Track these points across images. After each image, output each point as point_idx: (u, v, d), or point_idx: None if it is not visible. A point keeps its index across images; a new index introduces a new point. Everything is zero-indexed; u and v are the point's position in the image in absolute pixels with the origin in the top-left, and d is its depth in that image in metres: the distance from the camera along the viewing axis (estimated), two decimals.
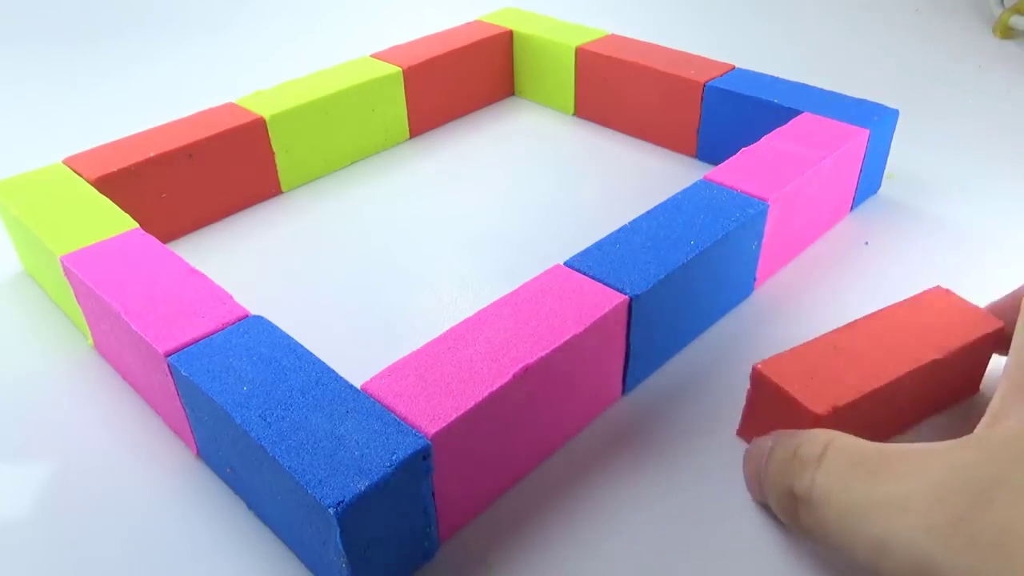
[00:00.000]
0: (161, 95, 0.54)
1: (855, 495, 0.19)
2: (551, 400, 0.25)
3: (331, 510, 0.19)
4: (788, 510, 0.22)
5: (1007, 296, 0.28)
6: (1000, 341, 0.26)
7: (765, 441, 0.24)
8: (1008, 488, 0.16)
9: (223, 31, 0.66)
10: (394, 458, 0.20)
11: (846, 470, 0.20)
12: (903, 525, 0.17)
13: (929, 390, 0.26)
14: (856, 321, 0.26)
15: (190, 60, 0.60)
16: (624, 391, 0.29)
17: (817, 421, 0.23)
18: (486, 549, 0.24)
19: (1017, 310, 0.26)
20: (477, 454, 0.23)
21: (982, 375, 0.28)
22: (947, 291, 0.28)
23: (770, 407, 0.25)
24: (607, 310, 0.25)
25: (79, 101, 0.54)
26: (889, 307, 0.27)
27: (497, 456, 0.24)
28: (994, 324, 0.26)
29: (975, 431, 0.19)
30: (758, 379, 0.25)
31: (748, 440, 0.26)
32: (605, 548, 0.24)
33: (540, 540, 0.24)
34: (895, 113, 0.38)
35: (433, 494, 0.22)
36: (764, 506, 0.24)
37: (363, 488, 0.20)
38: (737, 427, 0.27)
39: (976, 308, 0.27)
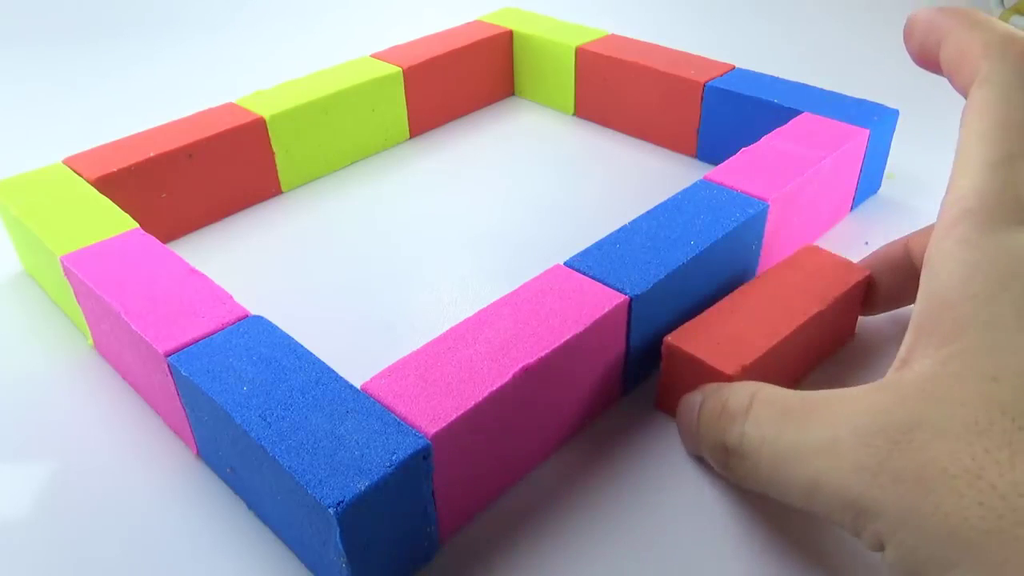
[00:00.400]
0: (161, 95, 0.54)
1: (785, 442, 0.20)
2: (551, 400, 0.25)
3: (331, 510, 0.19)
4: (722, 461, 0.23)
5: (870, 256, 0.30)
6: (867, 292, 0.30)
7: (695, 396, 0.25)
8: (924, 428, 0.17)
9: (223, 31, 0.66)
10: (394, 458, 0.20)
11: (773, 419, 0.21)
12: (832, 467, 0.19)
13: (816, 339, 0.28)
14: (744, 285, 0.29)
15: (190, 60, 0.60)
16: (624, 391, 0.29)
17: (728, 380, 0.25)
18: (486, 549, 0.24)
19: (881, 267, 0.30)
20: (477, 454, 0.23)
21: (856, 320, 0.31)
22: (817, 247, 0.30)
23: (684, 375, 0.26)
24: (607, 310, 0.25)
25: (79, 101, 0.54)
26: (770, 269, 0.30)
27: (497, 456, 0.24)
28: (863, 273, 0.29)
29: (887, 376, 0.20)
30: (670, 351, 0.27)
31: (667, 410, 0.28)
32: (605, 548, 0.24)
33: (540, 540, 0.24)
34: (895, 113, 0.38)
35: (433, 494, 0.22)
36: (699, 459, 0.26)
37: (363, 488, 0.20)
38: (655, 401, 0.28)
39: (846, 260, 0.30)
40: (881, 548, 0.18)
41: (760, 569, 0.23)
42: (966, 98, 0.22)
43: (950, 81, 0.23)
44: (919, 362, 0.19)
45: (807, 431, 0.20)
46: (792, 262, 0.30)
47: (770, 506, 0.24)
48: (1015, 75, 0.21)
